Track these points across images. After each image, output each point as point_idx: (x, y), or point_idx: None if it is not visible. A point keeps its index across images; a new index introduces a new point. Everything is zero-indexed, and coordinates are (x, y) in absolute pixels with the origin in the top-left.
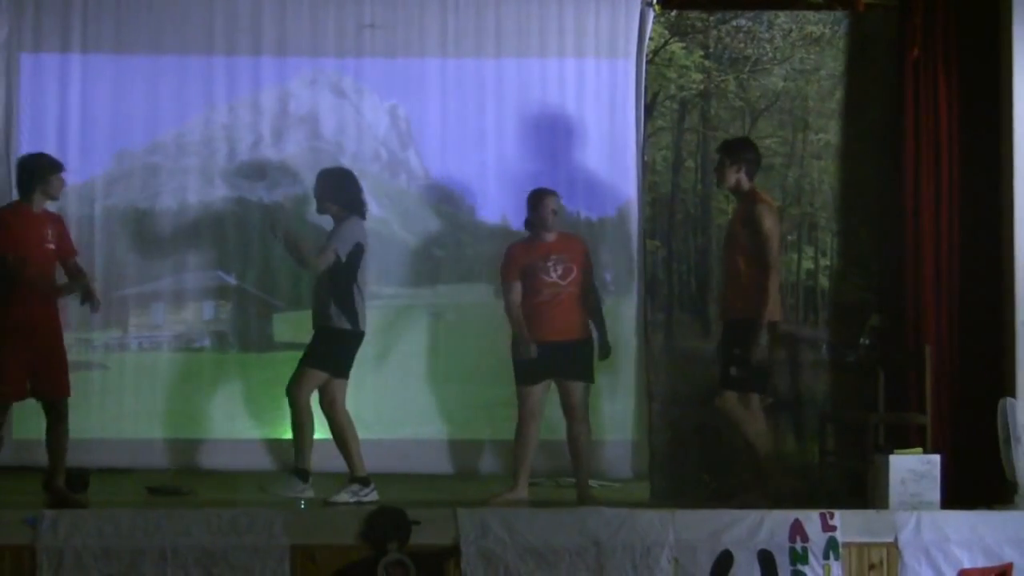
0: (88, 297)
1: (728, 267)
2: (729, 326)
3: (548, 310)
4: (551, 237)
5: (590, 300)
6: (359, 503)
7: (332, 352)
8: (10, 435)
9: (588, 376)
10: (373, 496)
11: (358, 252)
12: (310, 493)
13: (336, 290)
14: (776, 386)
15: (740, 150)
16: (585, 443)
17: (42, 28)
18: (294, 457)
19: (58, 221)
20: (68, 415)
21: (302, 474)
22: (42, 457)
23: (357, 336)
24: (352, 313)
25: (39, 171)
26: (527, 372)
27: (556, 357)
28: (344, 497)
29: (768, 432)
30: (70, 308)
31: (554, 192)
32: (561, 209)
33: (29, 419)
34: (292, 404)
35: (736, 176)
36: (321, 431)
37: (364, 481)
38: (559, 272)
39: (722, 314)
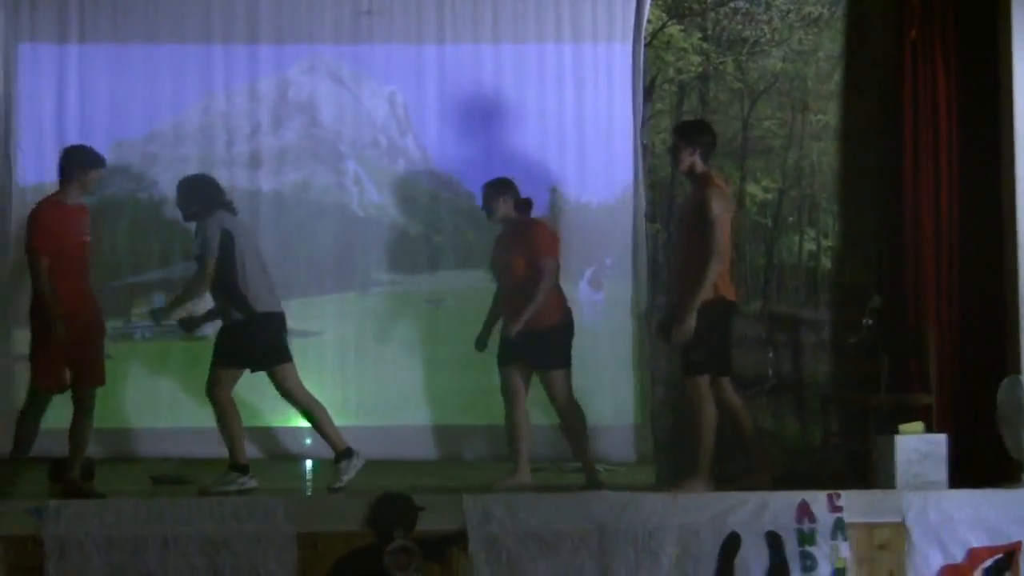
0: None
1: (678, 251)
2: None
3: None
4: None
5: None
6: (239, 491)
7: (240, 346)
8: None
9: (565, 362)
10: (253, 484)
11: (227, 241)
12: (253, 484)
13: (219, 286)
14: (778, 368)
15: (695, 132)
16: (578, 428)
17: (39, 18)
18: (228, 454)
19: (88, 214)
20: (95, 407)
21: (240, 468)
22: (46, 447)
23: (262, 319)
24: (241, 302)
25: (80, 164)
26: (502, 352)
27: (531, 346)
28: (224, 486)
29: (745, 409)
30: None
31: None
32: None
33: None
34: (213, 404)
35: (691, 159)
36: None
37: (347, 453)
38: None
39: (673, 297)
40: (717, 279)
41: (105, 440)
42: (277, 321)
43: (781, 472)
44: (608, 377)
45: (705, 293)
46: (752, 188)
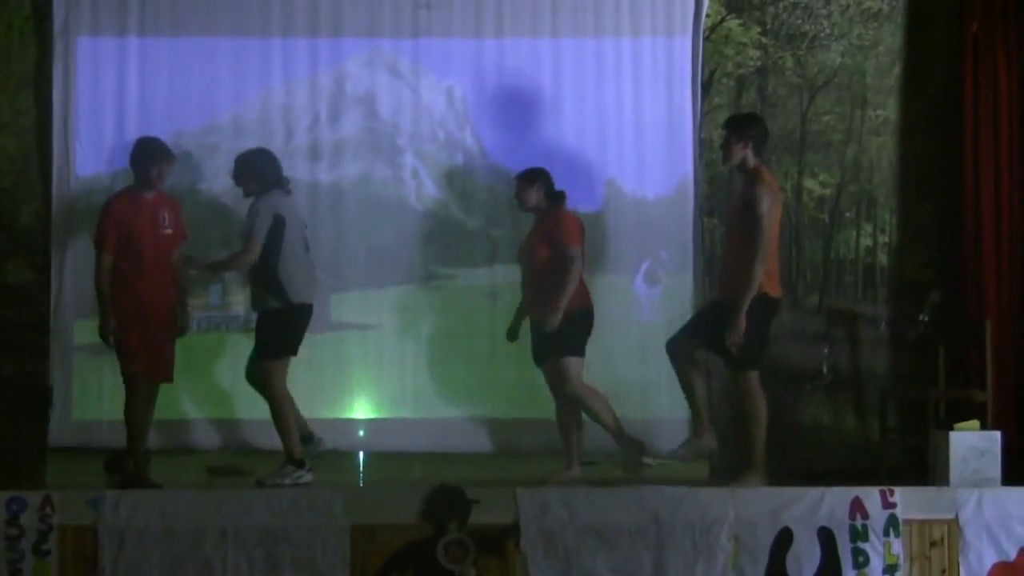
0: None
1: (726, 246)
2: (725, 307)
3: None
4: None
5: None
6: (295, 484)
7: (280, 334)
8: (70, 416)
9: (578, 351)
10: (309, 478)
11: (277, 226)
12: (308, 478)
13: (260, 272)
14: (836, 363)
15: (747, 126)
16: (573, 424)
17: (99, 11)
18: (284, 447)
19: (173, 205)
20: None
21: (296, 461)
22: (103, 438)
23: (295, 311)
24: (280, 291)
25: (149, 156)
26: (535, 348)
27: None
28: (279, 479)
29: (764, 406)
30: None
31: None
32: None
33: (89, 401)
34: (268, 398)
35: (743, 153)
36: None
37: (299, 463)
38: None
39: (719, 290)
40: (771, 273)
41: (162, 431)
42: (307, 314)
43: (839, 466)
44: (664, 371)
45: (753, 291)
46: (810, 183)
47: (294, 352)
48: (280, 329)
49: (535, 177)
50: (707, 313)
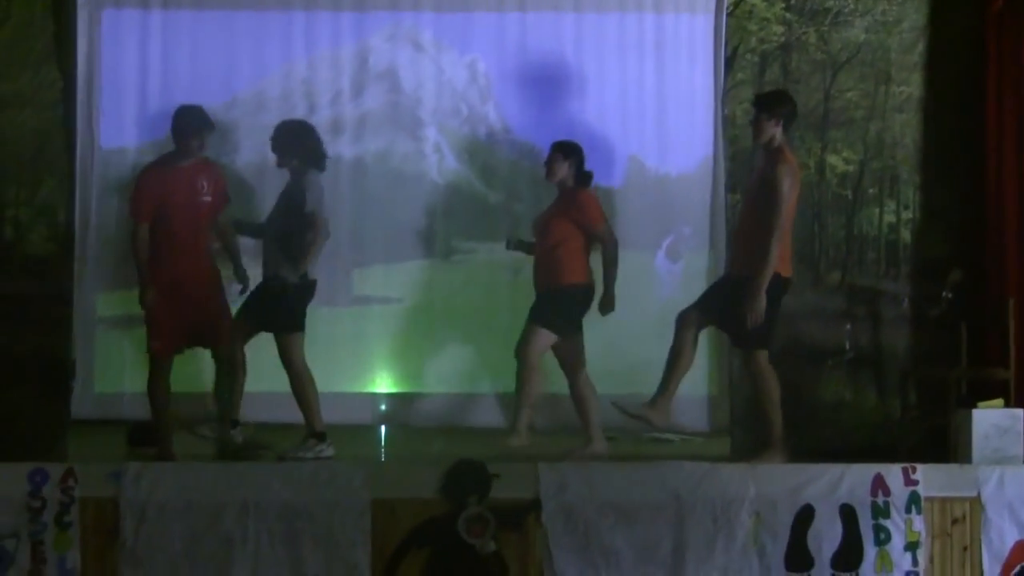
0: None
1: (740, 223)
2: (736, 283)
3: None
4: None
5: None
6: (316, 458)
7: (294, 309)
8: (92, 389)
9: (574, 329)
10: (330, 452)
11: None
12: (330, 452)
13: (290, 246)
14: (857, 340)
15: (777, 103)
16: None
17: None
18: (305, 421)
19: (214, 170)
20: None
21: (318, 435)
22: (125, 411)
23: (309, 287)
24: (300, 266)
25: (190, 125)
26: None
27: (549, 304)
28: (302, 453)
29: (776, 382)
30: None
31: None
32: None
33: (112, 374)
34: (290, 370)
35: (773, 130)
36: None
37: (321, 436)
38: None
39: (729, 265)
40: (783, 254)
41: (183, 404)
42: (312, 289)
43: (860, 444)
44: None
45: (780, 268)
46: (833, 159)
47: (303, 327)
48: (297, 303)
49: (569, 152)
50: (718, 289)
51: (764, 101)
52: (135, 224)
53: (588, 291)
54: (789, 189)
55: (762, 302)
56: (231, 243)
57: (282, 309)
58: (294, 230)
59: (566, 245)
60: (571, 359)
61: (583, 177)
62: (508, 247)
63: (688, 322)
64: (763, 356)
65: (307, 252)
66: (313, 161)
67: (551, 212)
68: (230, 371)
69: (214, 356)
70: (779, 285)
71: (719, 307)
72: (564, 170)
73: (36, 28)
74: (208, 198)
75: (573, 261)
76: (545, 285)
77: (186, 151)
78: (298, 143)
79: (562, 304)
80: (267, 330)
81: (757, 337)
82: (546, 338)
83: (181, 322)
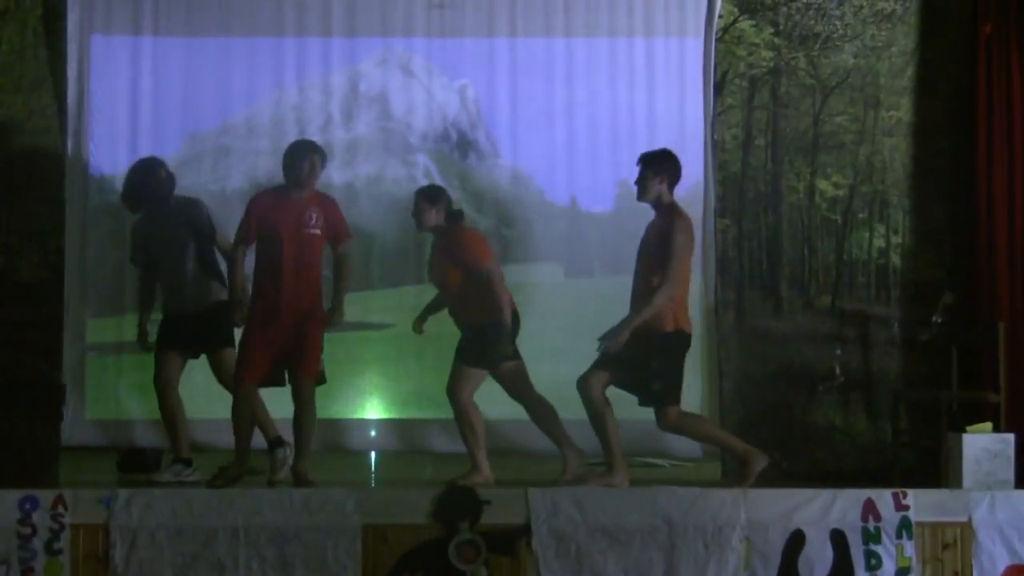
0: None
1: (639, 279)
2: (638, 339)
3: None
4: None
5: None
6: (180, 483)
7: (227, 324)
8: (83, 415)
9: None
10: (195, 477)
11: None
12: (196, 476)
13: (203, 267)
14: (848, 364)
15: (662, 162)
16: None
17: (113, 10)
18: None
19: (326, 204)
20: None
21: (184, 461)
22: (116, 437)
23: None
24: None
25: (301, 154)
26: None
27: (475, 341)
28: (166, 476)
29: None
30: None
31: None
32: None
33: (103, 400)
34: (240, 391)
35: (659, 188)
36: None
37: (187, 462)
38: None
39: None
40: (676, 309)
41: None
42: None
43: (851, 468)
44: None
45: (662, 320)
46: (823, 184)
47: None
48: (226, 321)
49: (434, 197)
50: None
51: (648, 160)
52: (236, 246)
53: (506, 323)
54: (684, 243)
55: (623, 337)
56: (340, 280)
57: (218, 325)
58: (206, 253)
59: (473, 290)
60: (515, 385)
61: (453, 217)
62: (417, 330)
63: (590, 385)
64: (674, 411)
65: (240, 281)
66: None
67: (440, 258)
68: (301, 407)
69: (293, 391)
70: (680, 340)
71: (619, 368)
72: (433, 216)
73: (27, 54)
74: (316, 231)
75: (485, 298)
76: (464, 324)
77: (297, 182)
78: (163, 178)
79: (483, 339)
80: (204, 350)
81: (664, 394)
82: (474, 376)
83: (271, 353)
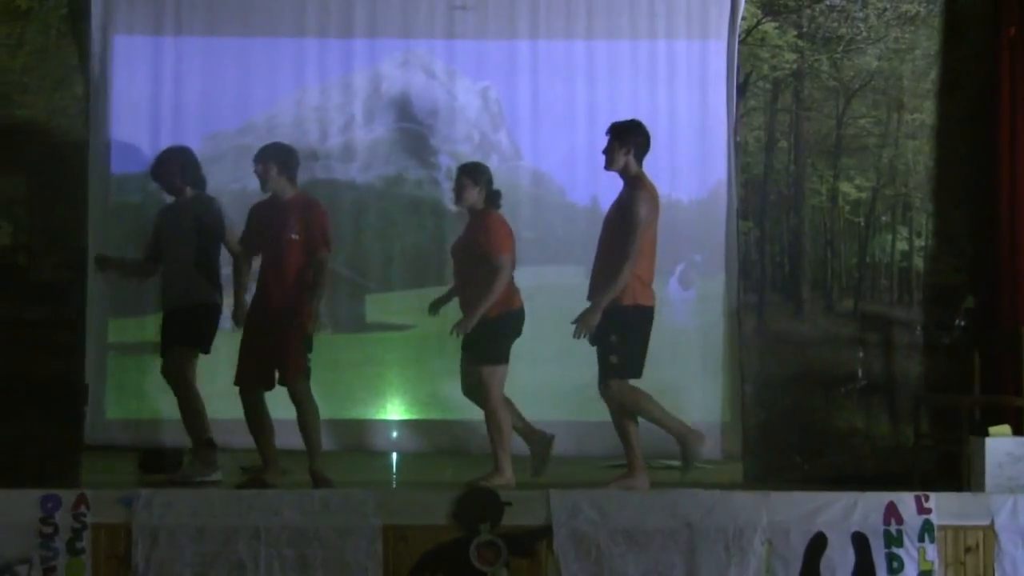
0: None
1: (601, 251)
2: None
3: None
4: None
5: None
6: (202, 483)
7: (210, 329)
8: (103, 415)
9: (499, 359)
10: (216, 476)
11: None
12: (218, 475)
13: (212, 267)
14: (870, 367)
15: (629, 132)
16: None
17: (135, 10)
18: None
19: (309, 210)
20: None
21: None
22: (138, 437)
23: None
24: (218, 289)
25: (279, 158)
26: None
27: (472, 334)
28: (189, 475)
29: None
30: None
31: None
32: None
33: (124, 400)
34: (182, 388)
35: (625, 159)
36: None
37: (210, 444)
38: None
39: (590, 296)
40: (636, 283)
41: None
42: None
43: (872, 471)
44: (697, 375)
45: (619, 294)
46: (845, 186)
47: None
48: (207, 324)
49: (477, 173)
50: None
51: (617, 130)
52: (240, 251)
53: (521, 315)
54: (647, 214)
55: (595, 318)
56: (316, 286)
57: (200, 327)
58: (209, 251)
59: (481, 274)
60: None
61: (492, 197)
62: (432, 312)
63: (611, 390)
64: (615, 383)
65: (243, 285)
66: (200, 183)
67: (467, 239)
68: (298, 407)
69: (289, 393)
70: (642, 315)
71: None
72: (474, 194)
73: (50, 55)
74: (294, 236)
75: (503, 292)
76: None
77: (262, 187)
78: (182, 168)
79: (501, 332)
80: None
81: (627, 367)
82: (500, 372)
83: (261, 358)
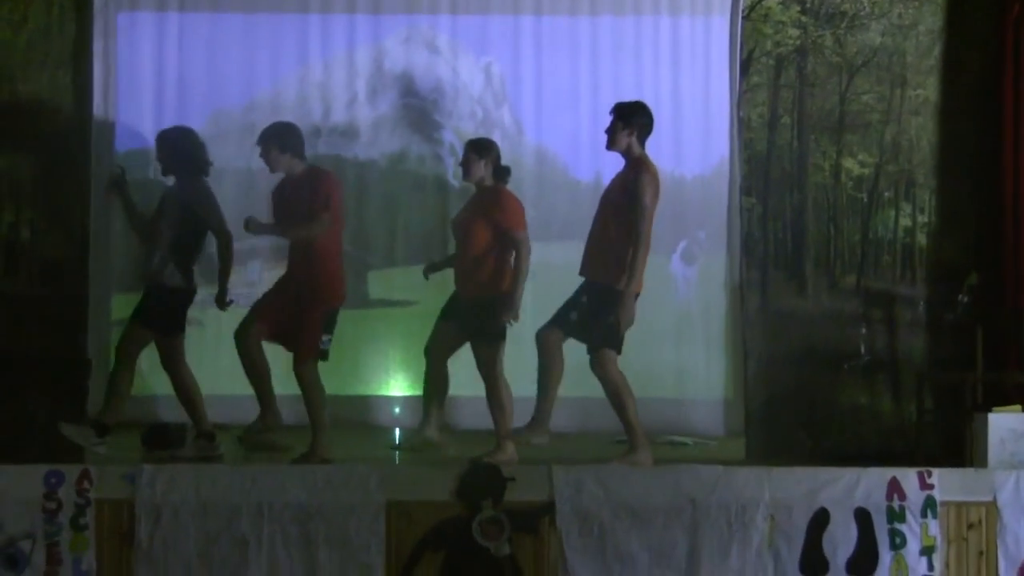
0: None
1: (597, 228)
2: (591, 289)
3: None
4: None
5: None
6: (205, 458)
7: (176, 312)
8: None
9: (497, 336)
10: (220, 450)
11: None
12: (102, 449)
13: (184, 251)
14: (873, 344)
15: (634, 114)
16: (503, 406)
17: None
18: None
19: (316, 180)
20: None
21: (99, 427)
22: (141, 413)
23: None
24: (189, 275)
25: (276, 139)
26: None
27: (472, 311)
28: (190, 452)
29: (627, 386)
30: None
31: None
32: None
33: None
34: (121, 362)
35: (628, 140)
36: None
37: (209, 436)
38: None
39: (582, 271)
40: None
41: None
42: (193, 294)
43: (875, 448)
44: (700, 351)
45: (614, 276)
46: (848, 163)
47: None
48: (181, 307)
49: (484, 150)
50: (575, 299)
51: (621, 110)
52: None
53: (509, 299)
54: (651, 199)
55: (631, 311)
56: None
57: (168, 313)
58: (189, 239)
59: (494, 254)
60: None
61: (500, 173)
62: (427, 275)
63: (551, 341)
64: (610, 357)
65: (226, 272)
66: (197, 168)
67: (471, 213)
68: (310, 387)
69: (295, 371)
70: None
71: (577, 317)
72: (480, 168)
73: (53, 32)
74: (300, 209)
75: (504, 270)
76: (468, 290)
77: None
78: (179, 151)
79: (488, 312)
80: (156, 334)
81: (611, 340)
82: (500, 349)
83: (278, 316)
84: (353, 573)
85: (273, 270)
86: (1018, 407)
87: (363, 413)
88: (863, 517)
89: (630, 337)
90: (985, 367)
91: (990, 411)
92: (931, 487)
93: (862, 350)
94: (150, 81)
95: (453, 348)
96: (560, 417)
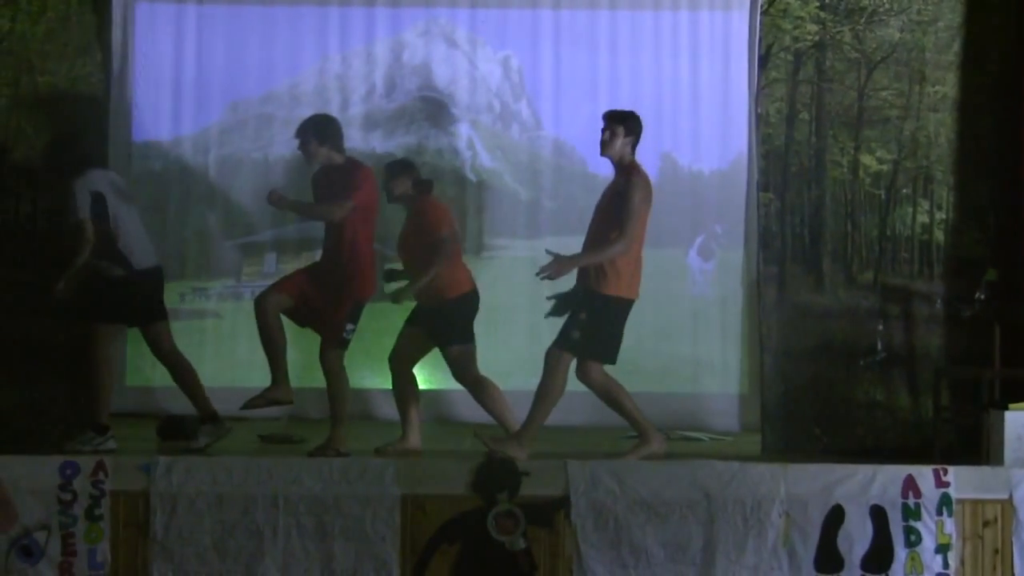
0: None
1: (592, 234)
2: (582, 292)
3: None
4: None
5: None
6: (219, 439)
7: (120, 302)
8: (122, 382)
9: (465, 338)
10: (224, 431)
11: (98, 202)
12: (112, 444)
13: (98, 245)
14: (890, 340)
15: (632, 120)
16: (492, 403)
17: None
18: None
19: (352, 172)
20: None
21: (98, 428)
22: (156, 404)
23: (140, 275)
24: (122, 260)
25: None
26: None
27: (434, 318)
28: (203, 441)
29: (620, 387)
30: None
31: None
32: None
33: (143, 367)
34: (94, 361)
35: (622, 146)
36: (381, 381)
37: (214, 418)
38: None
39: (578, 279)
40: (623, 275)
41: (213, 399)
42: (155, 277)
43: (891, 444)
44: (716, 346)
45: (602, 281)
46: (867, 159)
47: (130, 321)
48: (120, 296)
49: (401, 168)
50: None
51: (620, 116)
52: None
53: (468, 298)
54: (641, 202)
55: (565, 267)
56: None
57: (128, 301)
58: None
59: (430, 255)
60: (460, 368)
61: (421, 186)
62: (387, 283)
63: (559, 364)
64: (596, 368)
65: (72, 263)
66: (84, 167)
67: (405, 227)
68: (335, 378)
69: (321, 361)
70: (620, 305)
71: (580, 337)
72: (399, 184)
73: (72, 22)
74: (331, 194)
75: (456, 272)
76: (428, 298)
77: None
78: (61, 155)
79: (460, 313)
80: (136, 325)
81: (600, 350)
82: (470, 350)
83: (303, 294)
84: (368, 566)
85: (289, 263)
86: None
87: (379, 407)
88: (879, 514)
89: (645, 332)
90: (1002, 364)
91: (1007, 408)
92: (947, 484)
93: (879, 346)
94: (168, 72)
95: (421, 353)
96: (572, 411)
